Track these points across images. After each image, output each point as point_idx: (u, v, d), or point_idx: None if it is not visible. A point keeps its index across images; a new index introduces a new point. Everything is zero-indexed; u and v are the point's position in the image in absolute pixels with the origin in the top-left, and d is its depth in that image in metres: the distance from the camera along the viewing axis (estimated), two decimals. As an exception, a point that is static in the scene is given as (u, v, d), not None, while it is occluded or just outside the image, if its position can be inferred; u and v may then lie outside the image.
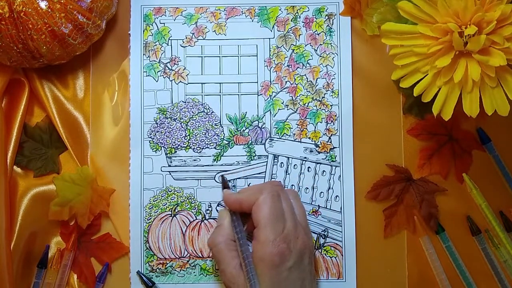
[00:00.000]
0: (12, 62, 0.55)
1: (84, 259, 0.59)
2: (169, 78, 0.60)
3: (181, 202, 0.60)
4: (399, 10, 0.50)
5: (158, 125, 0.60)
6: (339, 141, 0.60)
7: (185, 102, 0.60)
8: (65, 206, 0.57)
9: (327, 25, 0.61)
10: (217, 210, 0.59)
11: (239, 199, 0.54)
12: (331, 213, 0.59)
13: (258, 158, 0.60)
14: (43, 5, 0.51)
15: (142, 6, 0.61)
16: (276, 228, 0.50)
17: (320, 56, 0.61)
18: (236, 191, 0.59)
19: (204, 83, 0.61)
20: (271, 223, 0.50)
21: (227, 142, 0.60)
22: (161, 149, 0.60)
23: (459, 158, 0.60)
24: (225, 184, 0.58)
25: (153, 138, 0.60)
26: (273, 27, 0.61)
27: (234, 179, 0.60)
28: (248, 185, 0.59)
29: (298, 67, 0.61)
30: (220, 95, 0.60)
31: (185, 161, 0.60)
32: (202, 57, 0.61)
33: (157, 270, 0.59)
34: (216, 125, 0.60)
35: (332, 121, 0.60)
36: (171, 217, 0.60)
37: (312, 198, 0.60)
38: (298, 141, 0.60)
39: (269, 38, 0.61)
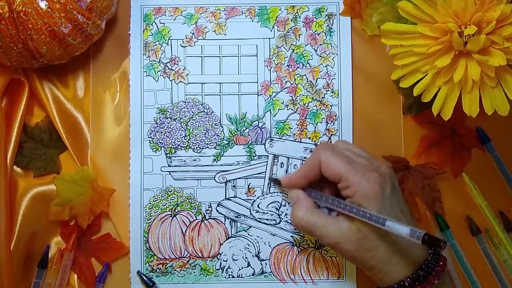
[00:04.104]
0: (12, 62, 0.55)
1: (84, 259, 0.59)
2: (169, 78, 0.60)
3: (181, 202, 0.60)
4: (399, 10, 0.50)
5: (158, 125, 0.60)
6: (339, 141, 0.60)
7: (185, 102, 0.60)
8: (65, 206, 0.57)
9: (327, 25, 0.61)
10: (217, 210, 0.59)
11: (303, 173, 0.54)
12: (331, 213, 0.59)
13: (258, 158, 0.60)
14: (43, 5, 0.51)
15: (142, 6, 0.61)
16: (356, 167, 0.50)
17: (320, 56, 0.61)
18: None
19: (204, 83, 0.60)
20: (350, 166, 0.50)
21: (227, 142, 0.60)
22: (161, 149, 0.60)
23: (458, 153, 0.60)
24: (276, 181, 0.59)
25: (153, 138, 0.60)
26: (273, 27, 0.61)
27: (234, 179, 0.60)
28: (248, 185, 0.59)
29: (298, 67, 0.61)
30: (220, 95, 0.60)
31: (185, 161, 0.60)
32: (202, 57, 0.61)
33: (157, 270, 0.59)
34: (216, 125, 0.60)
35: (332, 121, 0.60)
36: (171, 217, 0.60)
37: (312, 198, 0.60)
38: (298, 141, 0.60)
39: (269, 38, 0.61)
